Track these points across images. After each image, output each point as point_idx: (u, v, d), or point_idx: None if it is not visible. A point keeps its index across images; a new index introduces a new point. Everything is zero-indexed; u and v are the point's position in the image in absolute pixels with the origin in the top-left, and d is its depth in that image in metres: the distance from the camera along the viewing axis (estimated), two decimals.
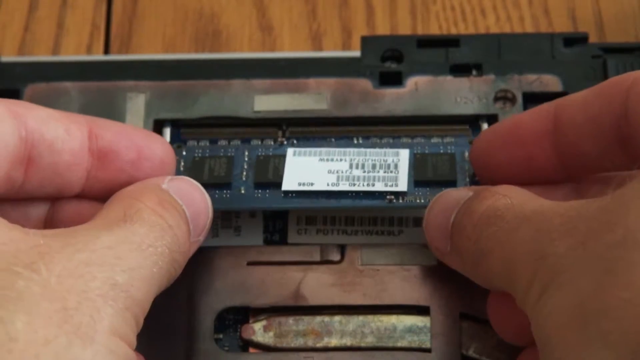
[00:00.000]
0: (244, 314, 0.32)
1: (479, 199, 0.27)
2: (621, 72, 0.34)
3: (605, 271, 0.21)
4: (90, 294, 0.23)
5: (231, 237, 0.33)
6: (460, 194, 0.28)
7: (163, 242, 0.26)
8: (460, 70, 0.35)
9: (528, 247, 0.24)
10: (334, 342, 0.31)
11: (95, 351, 0.22)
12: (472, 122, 0.34)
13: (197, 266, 0.32)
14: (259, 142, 0.34)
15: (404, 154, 0.32)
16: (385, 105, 0.34)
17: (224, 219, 0.33)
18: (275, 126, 0.34)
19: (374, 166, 0.32)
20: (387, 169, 0.31)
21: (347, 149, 0.32)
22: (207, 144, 0.34)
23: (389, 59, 0.35)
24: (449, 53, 0.35)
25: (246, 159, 0.33)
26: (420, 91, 0.34)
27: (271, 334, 0.31)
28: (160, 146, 0.30)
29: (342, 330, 0.31)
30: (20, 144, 0.27)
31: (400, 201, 0.31)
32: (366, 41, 0.36)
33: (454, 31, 0.41)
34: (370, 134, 0.34)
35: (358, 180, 0.31)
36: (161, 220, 0.26)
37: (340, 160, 0.32)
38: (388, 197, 0.31)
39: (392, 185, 0.31)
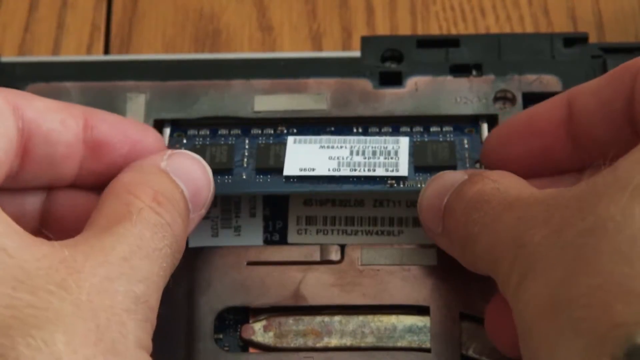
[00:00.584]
0: (244, 314, 0.32)
1: (470, 182, 0.27)
2: None
3: (576, 259, 0.21)
4: (116, 309, 0.23)
5: (231, 237, 0.33)
6: (455, 176, 0.29)
7: (165, 243, 0.26)
8: (460, 70, 0.35)
9: (510, 234, 0.24)
10: (334, 342, 0.31)
11: None
12: (472, 122, 0.34)
13: (197, 266, 0.32)
14: (259, 132, 0.34)
15: (404, 141, 0.32)
16: (385, 106, 0.34)
17: (224, 219, 0.33)
18: (275, 126, 0.34)
19: (374, 153, 0.32)
20: (387, 155, 0.32)
21: (348, 137, 0.33)
22: (208, 132, 0.34)
23: (388, 59, 0.35)
24: (448, 53, 0.35)
25: (247, 146, 0.33)
26: (420, 91, 0.34)
27: (271, 334, 0.31)
28: (153, 141, 0.30)
29: (342, 330, 0.31)
30: (18, 135, 0.27)
31: (401, 186, 0.31)
32: (366, 41, 0.36)
33: (453, 31, 0.41)
34: (370, 131, 0.34)
35: (359, 165, 0.31)
36: (160, 218, 0.26)
37: (341, 147, 0.32)
38: (389, 181, 0.31)
39: (392, 171, 0.31)
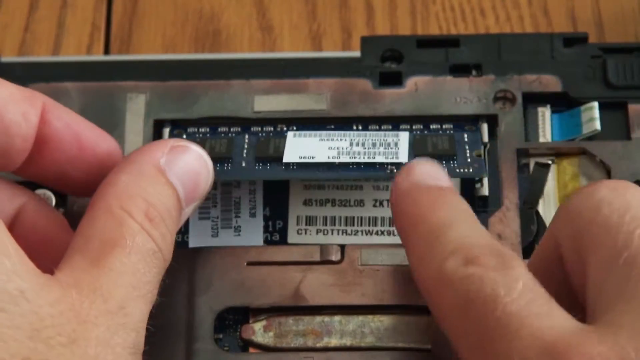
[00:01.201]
0: (244, 314, 0.32)
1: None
2: (620, 72, 0.34)
3: None
4: None
5: (231, 237, 0.33)
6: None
7: (155, 271, 0.26)
8: (460, 70, 0.35)
9: None
10: (333, 342, 0.31)
11: None
12: (471, 122, 0.34)
13: (197, 266, 0.32)
14: (259, 129, 0.34)
15: (404, 135, 0.32)
16: (385, 106, 0.34)
17: (224, 219, 0.33)
18: (275, 125, 0.34)
19: (374, 144, 0.32)
20: (387, 146, 0.32)
21: (348, 132, 0.33)
22: (208, 130, 0.34)
23: (388, 59, 0.35)
24: (448, 53, 0.35)
25: (247, 140, 0.33)
26: (420, 91, 0.34)
27: (271, 334, 0.31)
28: (106, 149, 0.29)
29: (342, 330, 0.31)
30: None
31: None
32: (366, 41, 0.36)
33: (453, 31, 0.41)
34: (370, 130, 0.34)
35: (358, 154, 0.31)
36: (152, 242, 0.26)
37: (341, 140, 0.32)
38: (389, 167, 0.31)
39: (392, 158, 0.31)
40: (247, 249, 0.32)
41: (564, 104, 0.34)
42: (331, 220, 0.33)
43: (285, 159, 0.31)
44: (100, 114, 0.34)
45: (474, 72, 0.35)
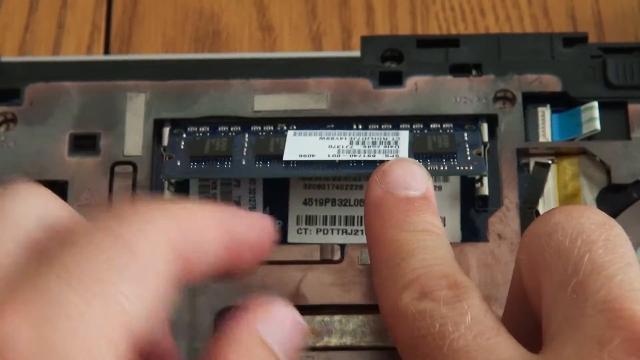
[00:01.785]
0: None
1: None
2: (620, 72, 0.34)
3: None
4: None
5: None
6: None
7: None
8: (459, 70, 0.35)
9: None
10: (334, 341, 0.31)
11: None
12: (471, 122, 0.34)
13: None
14: (259, 128, 0.34)
15: (404, 134, 0.32)
16: (385, 105, 0.34)
17: None
18: (275, 124, 0.34)
19: (374, 142, 0.32)
20: (387, 144, 0.32)
21: (348, 131, 0.33)
22: (208, 129, 0.34)
23: (388, 59, 0.35)
24: (448, 53, 0.35)
25: (246, 139, 0.33)
26: (420, 91, 0.34)
27: None
28: (257, 235, 0.26)
29: (342, 330, 0.31)
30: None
31: None
32: (366, 41, 0.36)
33: (453, 31, 0.41)
34: (369, 129, 0.34)
35: (359, 152, 0.31)
36: None
37: (341, 138, 0.32)
38: None
39: (392, 156, 0.31)
40: None
41: (564, 103, 0.34)
42: (331, 219, 0.33)
43: (286, 157, 0.31)
44: (100, 114, 0.34)
45: (474, 72, 0.35)
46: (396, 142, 0.32)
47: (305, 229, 0.33)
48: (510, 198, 0.33)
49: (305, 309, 0.31)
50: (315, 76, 0.35)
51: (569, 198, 0.33)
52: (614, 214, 0.32)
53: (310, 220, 0.33)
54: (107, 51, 0.41)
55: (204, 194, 0.33)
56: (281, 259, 0.32)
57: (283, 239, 0.33)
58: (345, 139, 0.32)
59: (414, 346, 0.24)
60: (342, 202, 0.33)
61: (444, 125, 0.34)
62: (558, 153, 0.34)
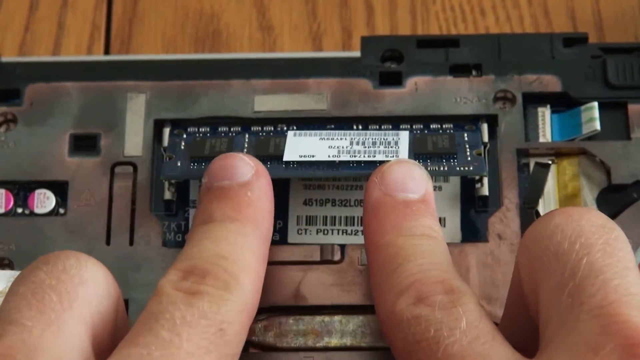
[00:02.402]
0: None
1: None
2: (620, 72, 0.34)
3: None
4: None
5: None
6: None
7: None
8: (460, 70, 0.35)
9: None
10: (334, 342, 0.31)
11: None
12: (472, 122, 0.34)
13: None
14: (259, 129, 0.34)
15: (404, 135, 0.32)
16: (385, 106, 0.34)
17: None
18: (275, 124, 0.34)
19: (374, 143, 0.32)
20: (387, 145, 0.32)
21: (348, 131, 0.33)
22: (208, 129, 0.34)
23: (388, 59, 0.35)
24: (448, 53, 0.35)
25: (247, 139, 0.33)
26: (420, 91, 0.34)
27: (271, 333, 0.31)
28: None
29: (342, 330, 0.31)
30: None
31: None
32: (366, 41, 0.36)
33: (453, 31, 0.41)
34: (369, 129, 0.34)
35: (359, 153, 0.31)
36: None
37: (341, 139, 0.32)
38: None
39: (393, 156, 0.31)
40: None
41: (564, 104, 0.34)
42: (331, 220, 0.33)
43: (286, 158, 0.31)
44: (100, 114, 0.34)
45: (474, 72, 0.35)
46: (396, 143, 0.32)
47: (306, 230, 0.33)
48: (510, 198, 0.33)
49: (306, 310, 0.31)
50: (315, 76, 0.35)
51: (569, 198, 0.33)
52: (614, 215, 0.32)
53: (310, 220, 0.33)
54: (107, 51, 0.41)
55: None
56: (281, 259, 0.32)
57: (283, 239, 0.33)
58: (346, 139, 0.32)
59: (409, 351, 0.24)
60: (342, 202, 0.33)
61: (444, 126, 0.34)
62: (558, 153, 0.34)
